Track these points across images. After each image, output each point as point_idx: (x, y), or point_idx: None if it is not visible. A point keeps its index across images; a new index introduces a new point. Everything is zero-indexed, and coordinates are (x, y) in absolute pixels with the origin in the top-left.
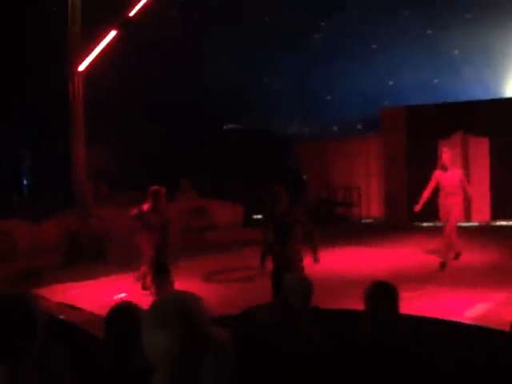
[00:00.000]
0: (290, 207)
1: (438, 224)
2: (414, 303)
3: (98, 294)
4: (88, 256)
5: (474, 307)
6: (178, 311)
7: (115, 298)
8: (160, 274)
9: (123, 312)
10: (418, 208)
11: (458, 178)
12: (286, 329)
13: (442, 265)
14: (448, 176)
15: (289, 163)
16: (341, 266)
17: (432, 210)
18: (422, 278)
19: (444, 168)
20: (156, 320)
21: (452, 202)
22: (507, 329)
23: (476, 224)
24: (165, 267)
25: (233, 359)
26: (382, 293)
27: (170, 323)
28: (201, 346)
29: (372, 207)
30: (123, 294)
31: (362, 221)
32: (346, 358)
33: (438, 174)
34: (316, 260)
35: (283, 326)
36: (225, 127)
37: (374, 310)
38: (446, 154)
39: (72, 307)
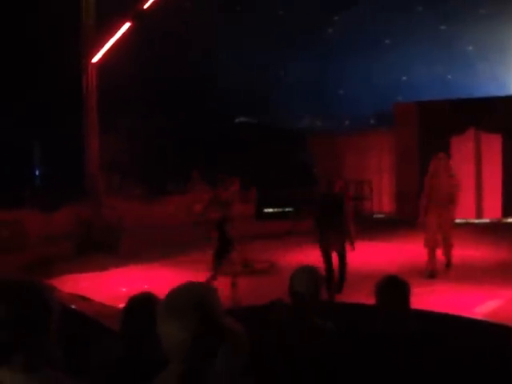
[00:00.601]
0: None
1: None
2: (424, 299)
3: (109, 286)
4: (99, 247)
5: (485, 304)
6: (191, 302)
7: (123, 289)
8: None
9: (142, 303)
10: (421, 219)
11: (449, 185)
12: (296, 323)
13: (446, 265)
14: (438, 184)
15: (301, 157)
16: (353, 260)
17: None
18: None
19: (436, 175)
20: (170, 310)
21: (443, 215)
22: None
23: (487, 221)
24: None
25: (247, 351)
26: (393, 287)
27: (184, 313)
28: (215, 336)
29: (384, 202)
30: (124, 289)
31: (374, 216)
32: (357, 352)
33: (428, 182)
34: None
35: (293, 320)
36: (237, 120)
37: (384, 305)
38: (440, 161)
39: (83, 298)
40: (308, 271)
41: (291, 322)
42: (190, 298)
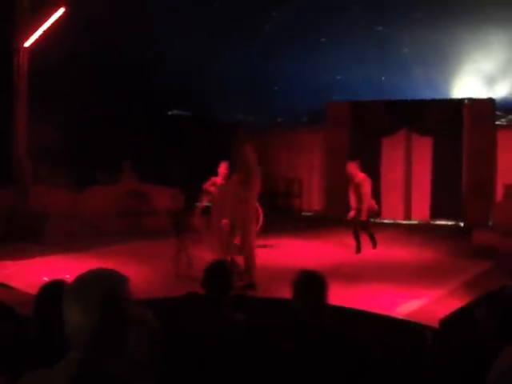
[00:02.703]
0: None
1: (377, 220)
2: (348, 296)
3: (31, 274)
4: (24, 235)
5: (407, 303)
6: (97, 288)
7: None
8: None
9: (53, 290)
10: None
11: None
12: (208, 314)
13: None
14: None
15: (233, 151)
16: (279, 257)
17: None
18: (359, 272)
19: None
20: (75, 295)
21: None
22: (437, 325)
23: (415, 222)
24: None
25: (159, 337)
26: (309, 282)
27: (89, 299)
28: (119, 325)
29: (313, 200)
30: (46, 278)
31: (303, 213)
32: (270, 344)
33: None
34: None
35: (205, 311)
36: (170, 113)
37: (299, 299)
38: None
39: (4, 285)
40: (219, 264)
41: (204, 313)
42: (96, 284)
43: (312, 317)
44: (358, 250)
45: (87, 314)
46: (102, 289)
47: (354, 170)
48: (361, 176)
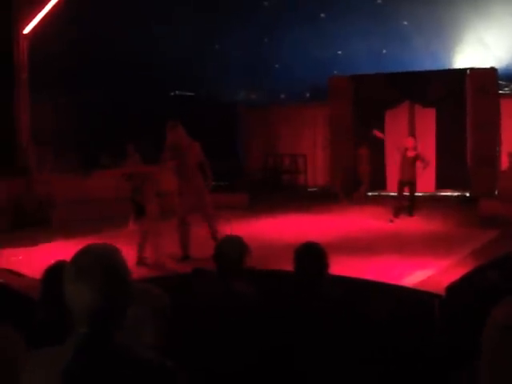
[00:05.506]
0: None
1: (382, 193)
2: (355, 268)
3: (40, 260)
4: (31, 221)
5: (415, 274)
6: (98, 262)
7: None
8: None
9: (57, 271)
10: None
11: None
12: (217, 287)
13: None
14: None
15: (236, 130)
16: (286, 232)
17: (376, 181)
18: (365, 245)
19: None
20: (76, 272)
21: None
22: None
23: (420, 194)
24: None
25: (167, 311)
26: (309, 253)
27: (90, 275)
28: (121, 297)
29: (318, 176)
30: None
31: (308, 189)
32: (278, 315)
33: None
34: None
35: (215, 284)
36: (172, 93)
37: (300, 270)
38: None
39: (13, 272)
40: (233, 239)
41: (213, 286)
42: (95, 258)
43: (313, 287)
44: (411, 212)
45: (91, 289)
46: (103, 263)
47: (411, 144)
48: (414, 152)
